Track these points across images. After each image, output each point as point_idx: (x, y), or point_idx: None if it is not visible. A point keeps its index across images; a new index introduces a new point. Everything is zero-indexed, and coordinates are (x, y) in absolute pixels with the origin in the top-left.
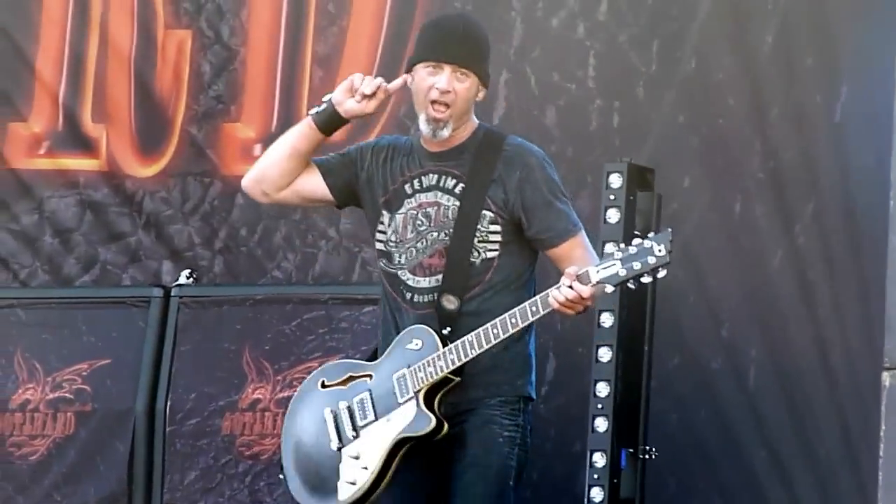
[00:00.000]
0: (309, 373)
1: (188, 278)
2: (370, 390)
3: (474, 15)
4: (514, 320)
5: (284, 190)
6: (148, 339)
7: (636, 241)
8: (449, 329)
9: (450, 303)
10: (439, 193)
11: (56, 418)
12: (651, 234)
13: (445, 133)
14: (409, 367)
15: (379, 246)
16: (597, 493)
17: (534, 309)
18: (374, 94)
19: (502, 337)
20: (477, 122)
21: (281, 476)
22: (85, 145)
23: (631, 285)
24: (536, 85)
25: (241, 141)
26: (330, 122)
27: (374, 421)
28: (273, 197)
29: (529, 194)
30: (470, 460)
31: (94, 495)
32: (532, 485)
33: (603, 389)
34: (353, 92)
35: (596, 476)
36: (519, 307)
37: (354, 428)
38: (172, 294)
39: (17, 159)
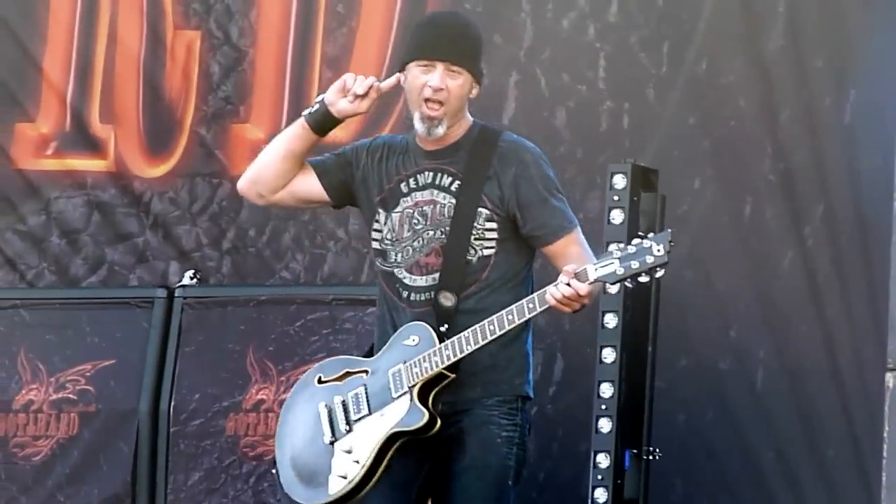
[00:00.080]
0: None
1: (192, 279)
2: (365, 385)
3: (484, 16)
4: (510, 317)
5: (280, 191)
6: (152, 340)
7: (635, 240)
8: (446, 326)
9: (447, 300)
10: (435, 191)
11: (60, 419)
12: (651, 234)
13: (440, 131)
14: (404, 362)
15: (375, 245)
16: (600, 494)
17: (531, 306)
18: (366, 94)
19: (499, 333)
20: (471, 119)
21: (273, 471)
22: (93, 146)
23: (629, 284)
24: (546, 86)
25: (250, 142)
26: (323, 122)
27: (367, 415)
28: (269, 198)
29: (524, 191)
30: (469, 461)
31: (97, 496)
32: (538, 485)
33: (607, 390)
34: (345, 92)
35: (599, 477)
36: (516, 304)
37: (348, 422)
38: (176, 295)
39: (25, 160)
